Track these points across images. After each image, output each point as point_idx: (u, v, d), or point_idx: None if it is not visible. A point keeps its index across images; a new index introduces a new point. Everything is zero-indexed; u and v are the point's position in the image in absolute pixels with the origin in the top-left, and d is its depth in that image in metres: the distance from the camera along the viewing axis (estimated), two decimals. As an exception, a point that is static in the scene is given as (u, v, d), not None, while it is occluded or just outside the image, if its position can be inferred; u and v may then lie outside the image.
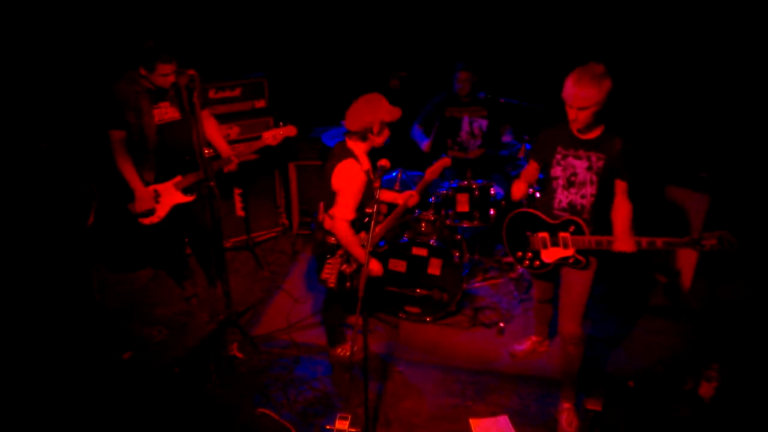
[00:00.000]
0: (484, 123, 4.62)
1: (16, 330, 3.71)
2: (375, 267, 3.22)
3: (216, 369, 3.56)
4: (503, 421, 3.28)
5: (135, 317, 4.12)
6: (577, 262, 3.02)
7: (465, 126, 4.62)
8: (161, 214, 3.67)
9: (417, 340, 3.96)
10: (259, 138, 3.76)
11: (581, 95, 2.71)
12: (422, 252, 3.98)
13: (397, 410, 3.37)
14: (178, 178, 3.67)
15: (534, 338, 3.81)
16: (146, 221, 3.66)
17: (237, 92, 4.71)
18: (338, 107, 5.24)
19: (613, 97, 2.77)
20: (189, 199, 3.72)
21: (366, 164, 3.11)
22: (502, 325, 4.01)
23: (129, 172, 3.53)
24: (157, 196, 3.64)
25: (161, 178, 3.63)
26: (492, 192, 4.24)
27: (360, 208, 3.13)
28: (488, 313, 4.21)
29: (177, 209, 3.72)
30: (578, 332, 3.11)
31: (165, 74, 3.36)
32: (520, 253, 3.23)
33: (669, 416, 3.27)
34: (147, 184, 3.61)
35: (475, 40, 5.23)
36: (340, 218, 3.08)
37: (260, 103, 4.83)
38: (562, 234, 3.02)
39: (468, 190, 4.19)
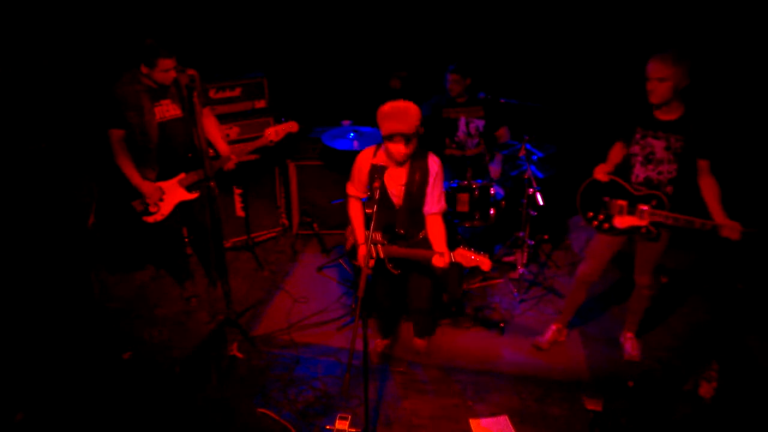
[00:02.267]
0: (481, 123, 4.62)
1: (17, 330, 3.71)
2: (362, 252, 3.20)
3: (216, 369, 3.56)
4: (503, 421, 3.28)
5: (135, 317, 4.12)
6: (648, 233, 3.21)
7: (462, 126, 4.62)
8: (165, 211, 3.67)
9: (417, 340, 3.96)
10: (261, 136, 3.77)
11: (658, 66, 2.94)
12: (422, 252, 3.97)
13: (397, 410, 3.38)
14: (182, 176, 3.67)
15: (554, 326, 3.85)
16: (150, 219, 3.66)
17: (237, 92, 4.71)
18: (338, 107, 5.29)
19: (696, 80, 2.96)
20: (193, 196, 3.73)
21: (382, 160, 3.20)
22: (502, 325, 4.01)
23: (130, 171, 3.54)
24: (161, 193, 3.64)
25: (164, 176, 3.64)
26: (492, 192, 4.24)
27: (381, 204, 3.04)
28: (488, 313, 4.21)
29: (180, 207, 3.72)
30: (651, 281, 3.49)
31: (166, 70, 3.37)
32: (591, 214, 3.38)
33: (669, 416, 3.27)
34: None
35: (475, 40, 5.23)
36: (347, 191, 3.36)
37: (260, 103, 4.83)
38: (641, 206, 3.19)
39: (468, 189, 4.19)
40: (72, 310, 4.01)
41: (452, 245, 4.08)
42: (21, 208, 3.91)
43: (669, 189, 3.18)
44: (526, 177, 4.33)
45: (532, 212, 4.39)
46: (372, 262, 3.10)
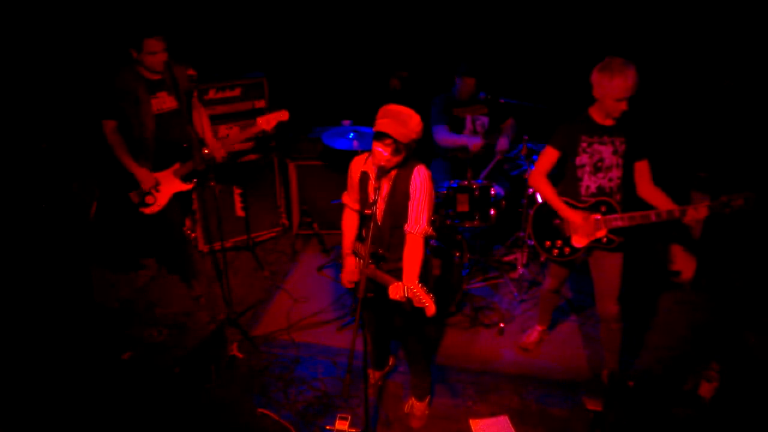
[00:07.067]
0: (486, 120, 4.61)
1: (16, 330, 3.71)
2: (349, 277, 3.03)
3: (216, 369, 3.56)
4: (503, 421, 3.28)
5: (135, 317, 4.12)
6: (610, 242, 3.10)
7: (468, 124, 4.61)
8: (162, 202, 3.69)
9: (417, 340, 3.96)
10: (253, 124, 3.76)
11: (636, 82, 2.87)
12: (422, 252, 3.97)
13: (397, 410, 3.38)
14: (177, 166, 3.68)
15: (539, 327, 3.87)
16: (147, 211, 3.68)
17: (237, 92, 4.71)
18: (338, 107, 5.29)
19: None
20: (188, 186, 3.74)
21: (371, 167, 2.94)
22: (502, 325, 4.01)
23: (125, 158, 3.57)
24: (156, 184, 3.65)
25: (159, 167, 3.65)
26: (492, 192, 4.24)
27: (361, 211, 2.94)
28: (488, 313, 4.21)
29: (176, 198, 3.73)
30: (618, 310, 3.26)
31: (153, 52, 3.37)
32: (548, 243, 3.28)
33: (669, 416, 3.27)
34: None
35: (475, 40, 5.23)
36: (342, 199, 3.12)
37: (260, 103, 4.83)
38: (593, 216, 3.10)
39: (468, 190, 4.19)
40: (71, 309, 4.01)
41: (453, 245, 4.10)
42: (21, 209, 3.91)
43: (618, 197, 3.11)
44: (526, 177, 4.33)
45: (531, 212, 4.38)
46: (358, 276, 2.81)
